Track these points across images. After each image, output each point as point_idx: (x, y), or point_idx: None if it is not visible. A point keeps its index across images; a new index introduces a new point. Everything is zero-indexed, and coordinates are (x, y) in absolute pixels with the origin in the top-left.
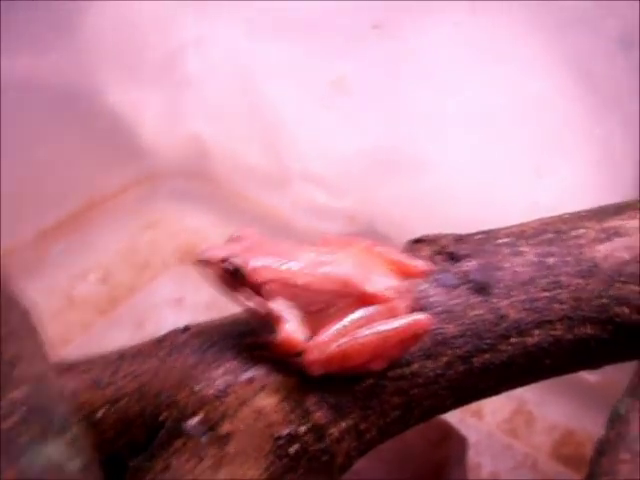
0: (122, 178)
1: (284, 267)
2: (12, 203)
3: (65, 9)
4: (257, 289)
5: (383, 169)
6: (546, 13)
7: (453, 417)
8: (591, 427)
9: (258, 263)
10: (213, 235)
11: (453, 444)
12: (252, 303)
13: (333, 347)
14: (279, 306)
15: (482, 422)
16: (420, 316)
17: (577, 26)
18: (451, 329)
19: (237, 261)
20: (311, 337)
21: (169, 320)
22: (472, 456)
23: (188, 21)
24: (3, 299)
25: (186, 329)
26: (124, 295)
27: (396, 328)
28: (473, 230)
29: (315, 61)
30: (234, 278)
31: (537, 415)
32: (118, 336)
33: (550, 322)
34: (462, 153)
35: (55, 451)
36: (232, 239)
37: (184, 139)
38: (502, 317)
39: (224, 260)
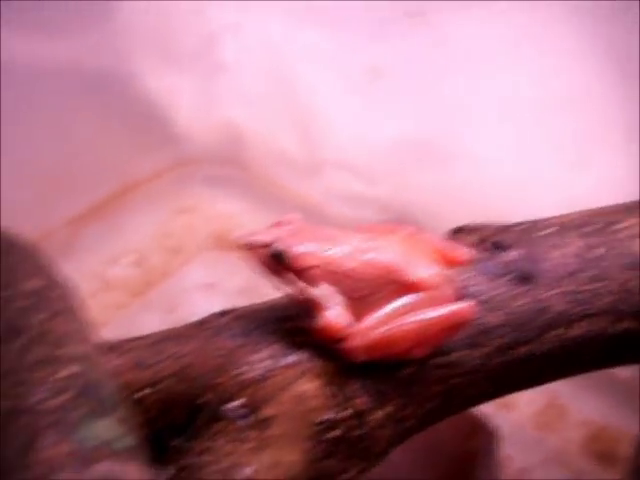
0: (156, 163)
1: (328, 253)
2: (46, 187)
3: None
4: (300, 274)
5: (417, 158)
6: (584, 4)
7: (485, 409)
8: (624, 424)
9: (302, 248)
10: (246, 221)
11: (483, 436)
12: (295, 288)
13: (376, 333)
14: (322, 292)
15: (514, 414)
16: (463, 305)
17: (615, 17)
18: (493, 319)
19: (281, 246)
20: (354, 323)
21: (201, 305)
22: (502, 448)
23: (223, 7)
24: (49, 279)
25: (224, 313)
26: (157, 279)
27: (439, 316)
28: (508, 221)
29: (350, 48)
30: (277, 263)
31: (569, 409)
32: (151, 319)
33: (594, 315)
34: (497, 144)
35: (105, 429)
36: (276, 224)
37: (218, 125)
38: (545, 308)
39: (268, 244)
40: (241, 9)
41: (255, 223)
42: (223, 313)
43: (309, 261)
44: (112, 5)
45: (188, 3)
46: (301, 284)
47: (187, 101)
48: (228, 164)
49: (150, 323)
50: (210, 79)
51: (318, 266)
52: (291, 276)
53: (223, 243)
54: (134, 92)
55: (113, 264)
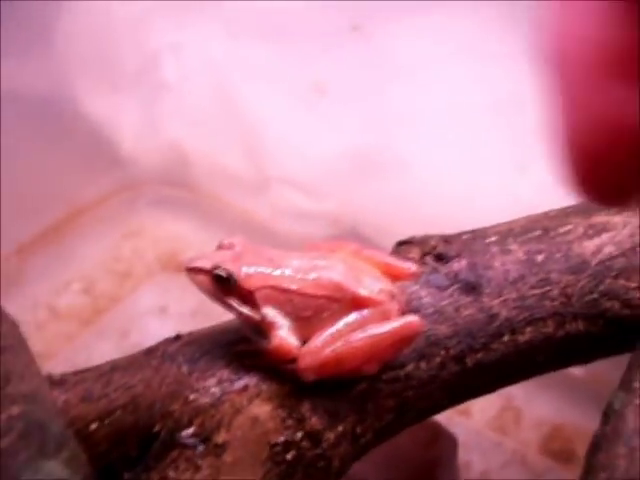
0: (102, 187)
1: (275, 273)
2: None
3: (39, 18)
4: (249, 296)
5: (364, 171)
6: (521, 11)
7: (441, 417)
8: (578, 421)
9: (250, 270)
10: (195, 241)
11: (443, 444)
12: (244, 310)
13: (325, 352)
14: (271, 312)
15: (470, 420)
16: (412, 318)
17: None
18: (443, 329)
19: (228, 268)
20: (304, 343)
21: (154, 329)
22: (462, 455)
23: (164, 26)
24: None
25: (177, 338)
26: (108, 305)
27: (387, 331)
28: (458, 229)
29: (294, 64)
30: (225, 285)
31: (525, 411)
32: (103, 347)
33: (541, 319)
34: (443, 152)
35: (55, 467)
36: (222, 246)
37: (163, 146)
38: (493, 316)
39: (215, 267)
40: (181, 28)
41: (204, 243)
42: (175, 338)
43: (256, 282)
44: (51, 28)
45: (127, 24)
46: (250, 306)
47: (130, 123)
48: (174, 185)
49: (103, 351)
50: (153, 100)
51: (266, 287)
52: (235, 300)
53: (173, 265)
54: (77, 116)
55: (62, 292)
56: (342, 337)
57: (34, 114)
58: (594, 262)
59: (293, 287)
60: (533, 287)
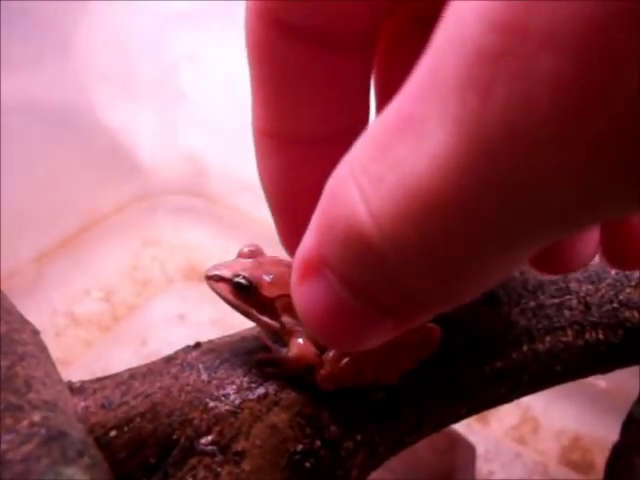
0: (121, 196)
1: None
2: (12, 224)
3: (58, 28)
4: (269, 304)
5: None
6: None
7: (459, 425)
8: (597, 431)
9: (270, 278)
10: (213, 250)
11: (461, 453)
12: (264, 318)
13: (345, 361)
14: (291, 320)
15: (489, 430)
16: (431, 326)
17: None
18: (462, 338)
19: (249, 276)
20: (323, 352)
21: (172, 337)
22: (482, 464)
23: (181, 37)
24: (12, 323)
25: (197, 346)
26: (126, 313)
27: (408, 340)
28: None
29: None
30: (245, 293)
31: (543, 421)
32: (122, 354)
33: (561, 328)
34: None
35: (76, 474)
36: (242, 255)
37: (181, 155)
38: (512, 325)
39: (235, 275)
40: (199, 38)
41: (222, 252)
42: (192, 347)
43: (274, 291)
44: (70, 39)
45: (146, 35)
46: (271, 313)
47: (149, 132)
48: (193, 194)
49: (121, 358)
50: (171, 110)
51: (284, 296)
52: (255, 308)
53: (191, 274)
54: (96, 125)
55: (81, 300)
56: None
57: (54, 124)
58: (613, 271)
59: None
60: (552, 296)
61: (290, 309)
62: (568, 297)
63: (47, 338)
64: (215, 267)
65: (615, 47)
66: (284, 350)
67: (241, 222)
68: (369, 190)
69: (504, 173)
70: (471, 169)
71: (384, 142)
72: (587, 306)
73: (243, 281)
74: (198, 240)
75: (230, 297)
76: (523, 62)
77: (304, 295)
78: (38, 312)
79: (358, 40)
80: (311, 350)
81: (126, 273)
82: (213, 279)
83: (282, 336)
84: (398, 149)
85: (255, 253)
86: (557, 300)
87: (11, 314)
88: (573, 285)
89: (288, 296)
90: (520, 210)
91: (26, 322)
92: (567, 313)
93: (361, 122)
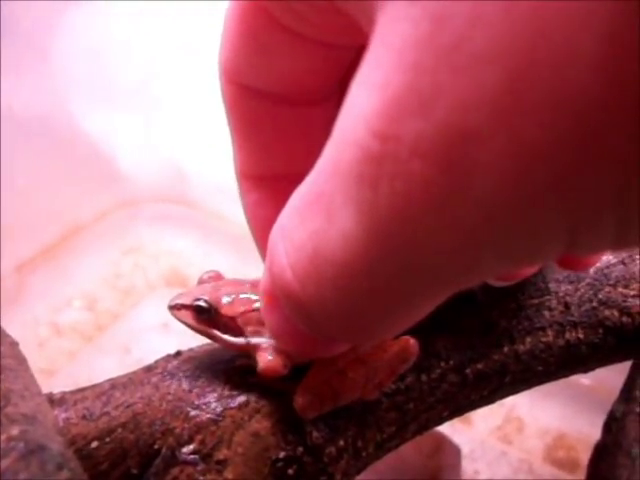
0: (101, 204)
1: (256, 297)
2: None
3: (35, 37)
4: (231, 323)
5: None
6: None
7: (444, 427)
8: (582, 429)
9: (230, 298)
10: (195, 257)
11: (447, 454)
12: (229, 337)
13: (322, 389)
14: (255, 336)
15: (474, 430)
16: (406, 338)
17: None
18: (442, 341)
19: (208, 299)
20: (289, 362)
21: (157, 345)
22: (467, 464)
23: (159, 44)
24: None
25: (177, 354)
26: (110, 321)
27: (384, 358)
28: None
29: None
30: (207, 316)
31: (528, 420)
32: (106, 363)
33: (541, 329)
34: None
35: None
36: (202, 281)
37: (161, 163)
38: (492, 326)
39: (196, 300)
40: (177, 45)
41: (204, 257)
42: (172, 356)
43: (235, 309)
44: (47, 48)
45: (123, 42)
46: (234, 332)
47: (128, 140)
48: (173, 201)
49: (105, 367)
50: (150, 117)
51: (246, 312)
52: (219, 329)
53: (174, 281)
54: (74, 133)
55: (63, 309)
56: (335, 367)
57: (32, 132)
58: (592, 270)
59: None
60: (532, 297)
61: (252, 324)
62: (548, 297)
63: (30, 348)
64: (176, 297)
65: (468, 158)
66: (257, 363)
67: (222, 227)
68: (293, 257)
69: (397, 248)
70: (371, 245)
71: (302, 213)
72: (567, 306)
73: (203, 304)
74: (180, 246)
75: (193, 323)
76: (400, 166)
77: (269, 317)
78: (20, 322)
79: (314, 97)
80: (277, 361)
81: (108, 281)
82: (175, 308)
83: (251, 350)
84: (312, 221)
85: (215, 278)
86: (536, 301)
87: None
88: (552, 285)
89: (250, 312)
90: (415, 276)
91: (4, 334)
92: (547, 313)
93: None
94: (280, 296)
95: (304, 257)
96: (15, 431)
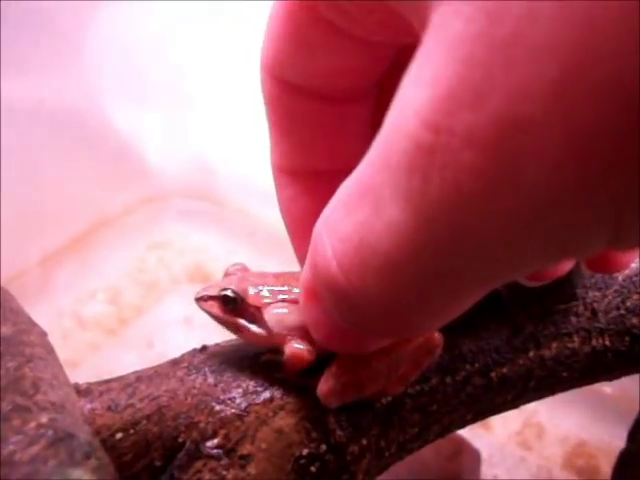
0: (128, 199)
1: (283, 288)
2: (19, 226)
3: (68, 32)
4: (258, 313)
5: None
6: None
7: (464, 431)
8: (602, 438)
9: (257, 288)
10: (220, 254)
11: (467, 457)
12: (255, 327)
13: (346, 378)
14: (281, 327)
15: (493, 435)
16: (432, 334)
17: None
18: (468, 343)
19: (235, 288)
20: (314, 350)
21: (179, 339)
22: (486, 469)
23: (189, 41)
24: (20, 325)
25: (203, 349)
26: (133, 315)
27: (408, 349)
28: None
29: None
30: (234, 306)
31: (548, 427)
32: (128, 356)
33: (567, 334)
34: None
35: (83, 475)
36: (227, 273)
37: (189, 158)
38: (519, 330)
39: (223, 290)
40: (206, 42)
41: (229, 255)
42: (198, 351)
43: (262, 299)
44: (80, 43)
45: (154, 39)
46: (260, 322)
47: (157, 135)
48: (200, 197)
49: (127, 361)
50: (179, 112)
51: (272, 303)
52: (246, 319)
53: (198, 276)
54: (104, 128)
55: (87, 302)
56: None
57: (63, 126)
58: (620, 278)
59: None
60: (559, 302)
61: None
62: (575, 303)
63: (53, 340)
64: (203, 289)
65: (520, 147)
66: (281, 356)
67: (248, 224)
68: (338, 249)
69: (445, 238)
70: (419, 235)
71: (349, 205)
72: (594, 312)
73: (230, 294)
74: (204, 242)
75: (219, 313)
76: (451, 156)
77: (308, 312)
78: (45, 314)
79: (354, 94)
80: (303, 349)
81: (132, 276)
82: (202, 299)
83: (276, 341)
84: (359, 213)
85: (241, 271)
86: (564, 306)
87: (19, 315)
88: (580, 291)
89: (276, 302)
90: (461, 267)
91: (34, 324)
92: (574, 319)
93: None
94: (322, 289)
95: (349, 248)
96: (44, 419)
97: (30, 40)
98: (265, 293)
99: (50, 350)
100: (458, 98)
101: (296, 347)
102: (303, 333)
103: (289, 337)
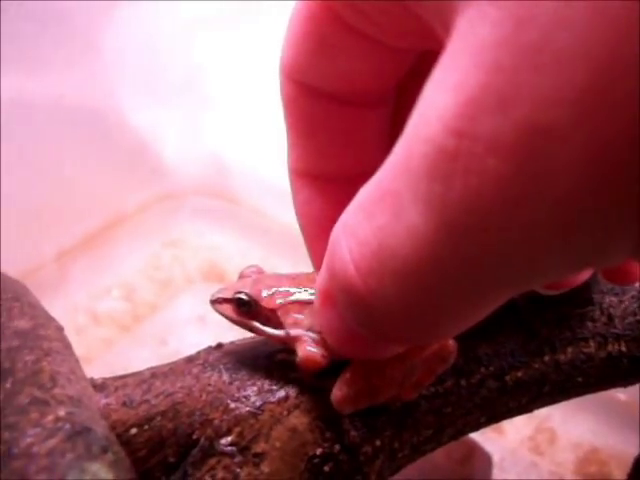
0: (143, 196)
1: (296, 290)
2: (34, 222)
3: (87, 30)
4: (272, 315)
5: None
6: None
7: (476, 434)
8: (615, 444)
9: (270, 290)
10: (235, 252)
11: (478, 461)
12: (269, 329)
13: (360, 384)
14: (295, 327)
15: (505, 439)
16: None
17: None
18: (483, 346)
19: (249, 291)
20: (328, 354)
21: (192, 337)
22: (497, 473)
23: (207, 39)
24: (38, 319)
25: (218, 347)
26: (147, 312)
27: (422, 356)
28: None
29: None
30: (248, 309)
31: (560, 432)
32: (142, 353)
33: (583, 339)
34: None
35: (100, 469)
36: (242, 275)
37: (205, 157)
38: (534, 334)
39: (237, 293)
40: (225, 41)
41: (243, 253)
42: (213, 348)
43: (276, 301)
44: (99, 41)
45: (173, 37)
46: (275, 324)
47: (173, 134)
48: (215, 195)
49: (141, 357)
50: (196, 111)
51: (286, 304)
52: (260, 321)
53: (212, 275)
54: (121, 126)
55: (102, 298)
56: (374, 363)
57: (80, 123)
58: (638, 284)
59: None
60: (575, 307)
61: (292, 317)
62: (591, 308)
63: (68, 335)
64: (218, 291)
65: (544, 155)
66: (296, 355)
67: (263, 223)
68: (356, 252)
69: (465, 244)
70: (438, 241)
71: (368, 210)
72: (610, 318)
73: (244, 297)
74: (219, 241)
75: (234, 316)
76: (474, 162)
77: (323, 316)
78: (60, 309)
79: (373, 98)
80: (316, 352)
81: (147, 273)
82: (217, 302)
83: (291, 342)
84: (379, 217)
85: (256, 273)
86: (580, 311)
87: (36, 309)
88: (597, 296)
89: (290, 304)
90: (479, 274)
91: (51, 318)
92: (590, 324)
93: (380, 163)
94: (338, 293)
95: (368, 253)
96: (62, 412)
97: (50, 37)
98: (279, 295)
99: (67, 345)
100: (483, 103)
101: (309, 350)
102: (319, 337)
103: (303, 340)
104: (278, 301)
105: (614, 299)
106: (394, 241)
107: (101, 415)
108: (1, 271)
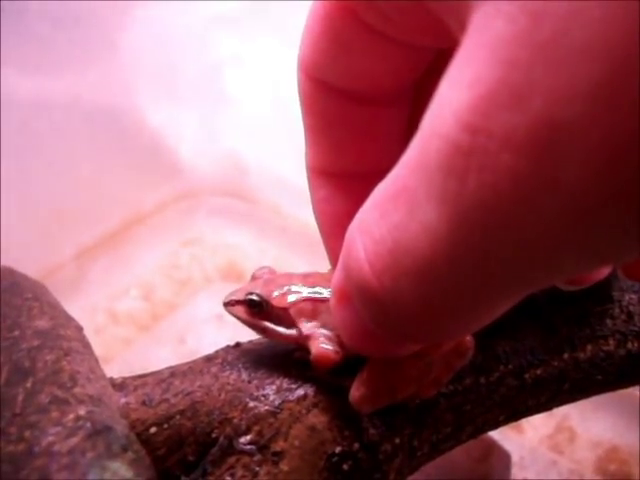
0: (161, 195)
1: (308, 288)
2: (52, 222)
3: (104, 29)
4: (284, 315)
5: None
6: None
7: (494, 433)
8: (635, 443)
9: (282, 290)
10: (253, 252)
11: (497, 459)
12: (282, 329)
13: (379, 383)
14: (307, 325)
15: (524, 438)
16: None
17: None
18: (502, 344)
19: (260, 292)
20: (341, 351)
21: (211, 336)
22: (517, 471)
23: (225, 38)
24: (57, 318)
25: (237, 346)
26: (165, 311)
27: (439, 353)
28: None
29: None
30: (260, 310)
31: (579, 431)
32: (160, 352)
33: (602, 337)
34: None
35: (120, 468)
36: (255, 277)
37: (222, 156)
38: (554, 332)
39: (248, 294)
40: (243, 40)
41: (261, 253)
42: (232, 347)
43: (287, 301)
44: (116, 40)
45: (190, 36)
46: (287, 323)
47: (191, 133)
48: (233, 195)
49: (160, 356)
50: (213, 110)
51: (297, 303)
52: (273, 322)
53: (230, 274)
54: (138, 125)
55: (120, 298)
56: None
57: (97, 122)
58: None
59: (328, 296)
60: (595, 304)
61: (304, 315)
62: (611, 306)
63: (87, 335)
64: (230, 294)
65: (559, 150)
66: (310, 353)
67: (280, 223)
68: (371, 250)
69: (480, 240)
70: (453, 237)
71: (383, 207)
72: (630, 315)
73: (255, 298)
74: (237, 240)
75: (246, 317)
76: (489, 158)
77: (339, 314)
78: (78, 309)
79: (390, 96)
80: (330, 349)
81: (166, 272)
82: (230, 304)
83: (304, 341)
84: (394, 215)
85: (267, 274)
86: (599, 308)
87: (56, 309)
88: (616, 294)
89: (302, 302)
90: (495, 270)
91: (70, 318)
92: (609, 322)
93: (396, 161)
94: (354, 291)
95: (383, 250)
96: (82, 411)
97: (67, 37)
98: (290, 294)
99: (86, 344)
100: (497, 100)
101: (322, 347)
102: (332, 334)
103: (316, 337)
104: (290, 300)
105: (634, 296)
106: (409, 239)
107: (121, 414)
108: (21, 272)
